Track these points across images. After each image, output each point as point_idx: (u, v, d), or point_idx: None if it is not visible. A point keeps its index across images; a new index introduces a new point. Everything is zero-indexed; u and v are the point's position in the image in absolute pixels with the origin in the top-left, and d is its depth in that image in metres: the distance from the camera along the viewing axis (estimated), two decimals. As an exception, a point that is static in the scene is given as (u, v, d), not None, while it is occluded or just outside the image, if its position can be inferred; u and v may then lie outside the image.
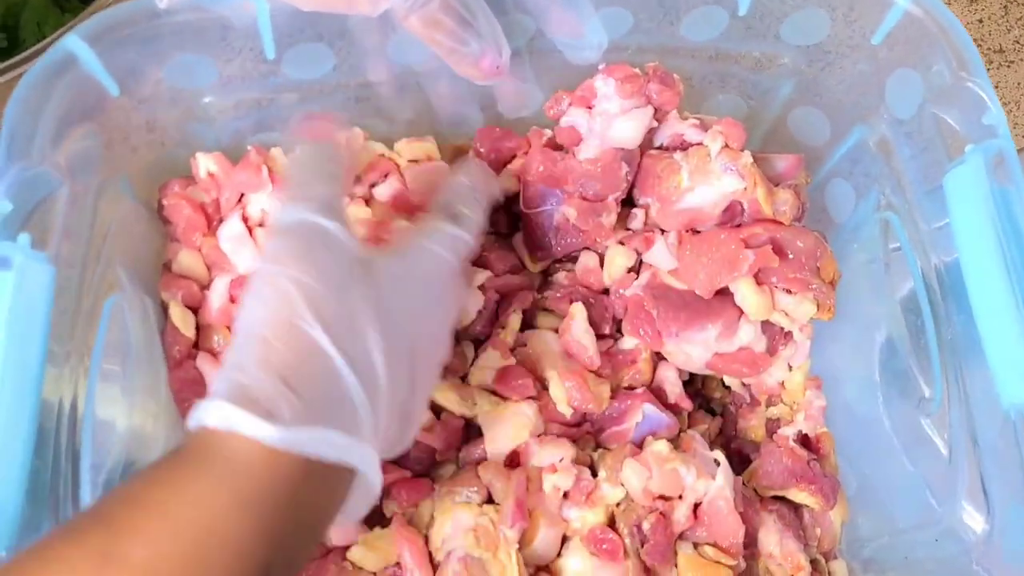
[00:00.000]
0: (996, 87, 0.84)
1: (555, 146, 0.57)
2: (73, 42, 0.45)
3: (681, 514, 0.51)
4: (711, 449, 0.54)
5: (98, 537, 0.31)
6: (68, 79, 0.46)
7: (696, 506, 0.51)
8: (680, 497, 0.51)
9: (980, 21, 0.87)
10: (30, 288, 0.39)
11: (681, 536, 0.52)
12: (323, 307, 0.38)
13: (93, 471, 0.44)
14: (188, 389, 0.53)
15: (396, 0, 0.45)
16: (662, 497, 0.51)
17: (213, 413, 0.35)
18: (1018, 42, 0.87)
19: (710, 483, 0.51)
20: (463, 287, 0.49)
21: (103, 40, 0.46)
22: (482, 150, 0.59)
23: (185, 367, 0.53)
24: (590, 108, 0.55)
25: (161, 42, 0.49)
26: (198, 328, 0.55)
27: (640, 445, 0.54)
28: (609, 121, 0.54)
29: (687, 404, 0.57)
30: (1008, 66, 0.86)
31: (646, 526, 0.50)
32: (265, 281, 0.39)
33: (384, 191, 0.57)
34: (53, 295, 0.41)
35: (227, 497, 0.33)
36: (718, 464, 0.52)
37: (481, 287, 0.57)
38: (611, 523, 0.50)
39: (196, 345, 0.55)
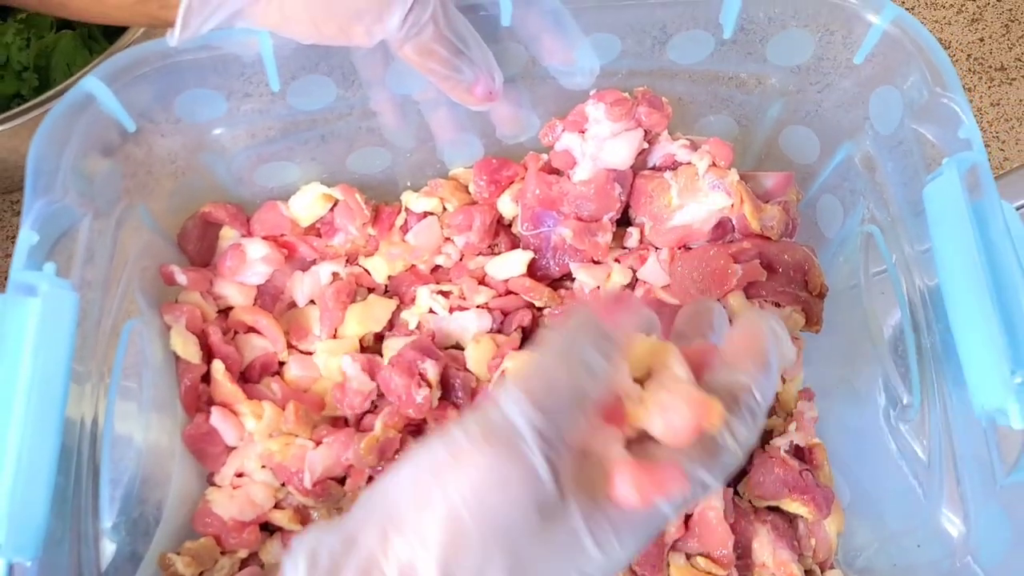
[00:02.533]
0: (998, 104, 0.85)
1: (551, 170, 0.60)
2: (91, 82, 0.48)
3: (672, 525, 0.52)
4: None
5: None
6: (88, 117, 0.49)
7: (687, 517, 0.53)
8: None
9: (981, 40, 0.88)
10: (55, 314, 0.42)
11: (673, 547, 0.53)
12: (454, 556, 0.30)
13: (112, 486, 0.46)
14: (203, 441, 0.55)
15: (391, 31, 0.47)
16: None
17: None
18: (1019, 60, 0.87)
19: None
20: None
21: (119, 80, 0.49)
22: (481, 182, 0.61)
23: (198, 422, 0.55)
24: (582, 132, 0.57)
25: (173, 79, 0.51)
26: (211, 358, 0.57)
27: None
28: (601, 144, 0.57)
29: None
30: (1010, 83, 0.87)
31: None
32: (425, 478, 0.31)
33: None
34: (77, 321, 0.43)
35: None
36: None
37: (484, 305, 0.60)
38: None
39: (207, 377, 0.57)
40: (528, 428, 0.30)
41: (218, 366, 0.55)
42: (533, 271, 0.61)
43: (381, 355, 0.59)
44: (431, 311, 0.59)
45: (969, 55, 0.88)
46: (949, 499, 0.47)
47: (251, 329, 0.59)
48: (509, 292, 0.61)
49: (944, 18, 0.89)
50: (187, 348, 0.55)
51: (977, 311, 0.42)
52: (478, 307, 0.59)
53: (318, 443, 0.54)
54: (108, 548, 0.46)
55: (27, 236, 0.43)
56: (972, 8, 0.90)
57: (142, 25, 0.63)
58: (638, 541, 0.32)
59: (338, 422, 0.57)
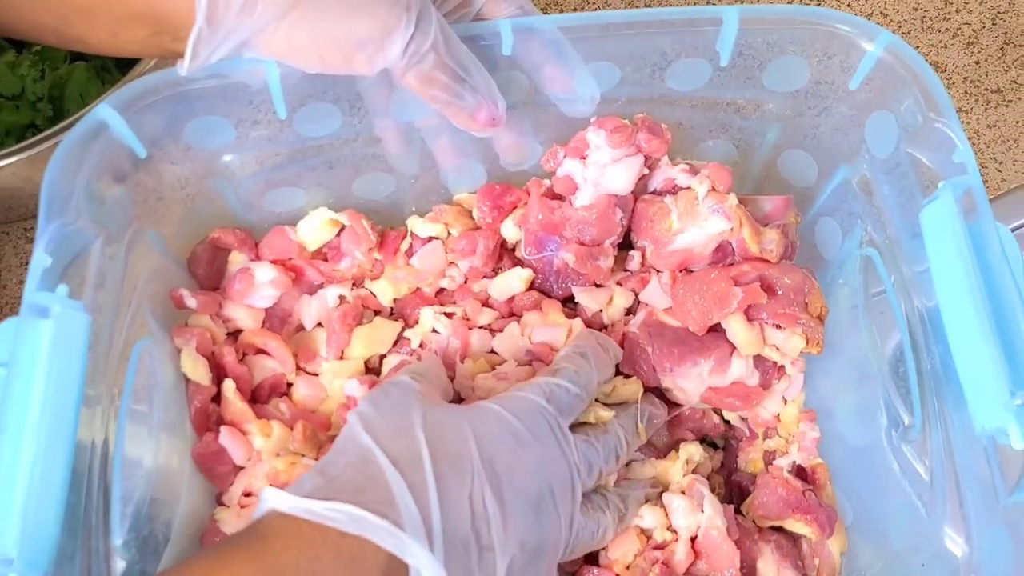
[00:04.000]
0: (994, 126, 0.86)
1: (553, 195, 0.61)
2: (104, 110, 0.50)
3: (682, 553, 0.53)
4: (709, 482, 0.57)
5: None
6: (100, 144, 0.50)
7: (693, 540, 0.53)
8: (675, 538, 0.54)
9: (977, 63, 0.90)
10: (67, 335, 0.42)
11: (686, 574, 0.54)
12: (373, 421, 0.44)
13: (122, 503, 0.47)
14: (212, 460, 0.55)
15: (392, 59, 0.48)
16: (659, 547, 0.53)
17: (264, 496, 0.40)
18: (1015, 82, 0.89)
19: (700, 516, 0.53)
20: (559, 441, 0.48)
21: (131, 107, 0.50)
22: (485, 207, 0.62)
23: (207, 441, 0.55)
24: (584, 158, 0.58)
25: (183, 107, 0.53)
26: (220, 379, 0.58)
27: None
28: (602, 170, 0.58)
29: None
30: (1006, 105, 0.88)
31: None
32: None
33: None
34: (89, 341, 0.44)
35: (255, 563, 0.37)
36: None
37: (487, 327, 0.61)
38: None
39: (216, 398, 0.58)
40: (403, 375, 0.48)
41: (229, 385, 0.56)
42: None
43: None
44: (434, 331, 0.60)
45: (965, 78, 0.89)
46: (952, 519, 0.47)
47: (260, 351, 0.60)
48: (512, 314, 0.62)
49: (940, 41, 0.91)
50: (197, 370, 0.56)
51: (976, 332, 0.43)
52: (480, 328, 0.60)
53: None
54: (119, 565, 0.46)
55: (40, 259, 0.44)
56: (968, 31, 0.91)
57: (155, 56, 0.65)
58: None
59: (344, 443, 0.58)
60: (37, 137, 0.67)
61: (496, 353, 0.60)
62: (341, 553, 0.38)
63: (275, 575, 0.37)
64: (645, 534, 0.54)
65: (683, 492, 0.55)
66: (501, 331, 0.60)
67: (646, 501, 0.54)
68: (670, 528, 0.54)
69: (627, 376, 0.57)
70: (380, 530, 0.38)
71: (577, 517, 0.48)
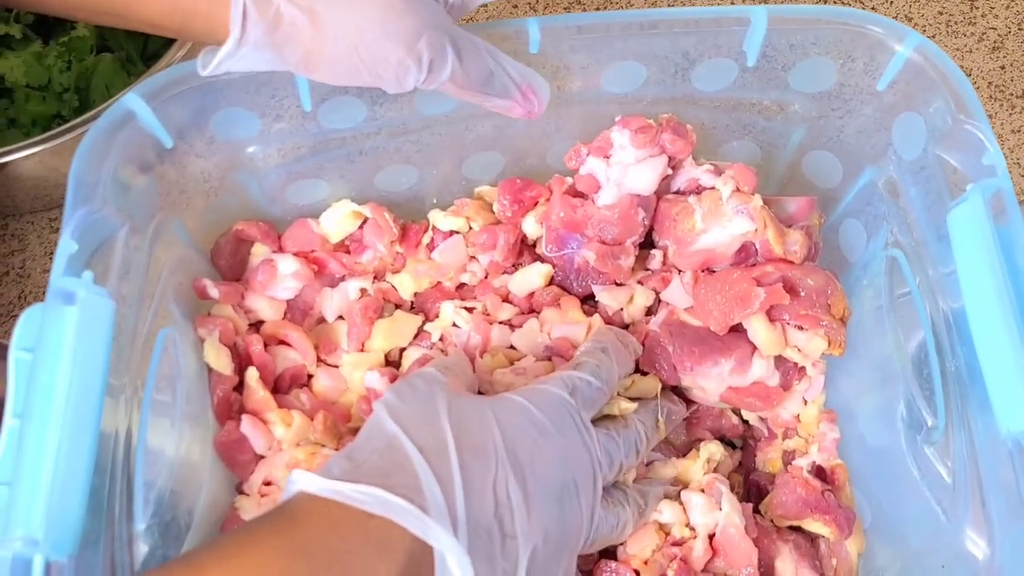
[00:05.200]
0: (1019, 131, 0.86)
1: (576, 193, 0.61)
2: (132, 100, 0.50)
3: (700, 550, 0.53)
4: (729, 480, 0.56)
5: (179, 571, 0.36)
6: (127, 133, 0.50)
7: (711, 538, 0.53)
8: (693, 535, 0.54)
9: (1002, 67, 0.89)
10: (93, 321, 0.42)
11: (704, 569, 0.53)
12: (399, 410, 0.44)
13: (145, 488, 0.47)
14: (233, 449, 0.56)
15: (409, 88, 0.48)
16: (677, 543, 0.53)
17: (293, 479, 0.41)
18: (1041, 86, 0.88)
19: (718, 513, 0.53)
20: (581, 432, 0.48)
21: (158, 97, 0.51)
22: (505, 201, 0.62)
23: (229, 429, 0.56)
24: (607, 157, 0.58)
25: (209, 98, 0.53)
26: (242, 369, 0.58)
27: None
28: (625, 170, 0.58)
29: None
30: (1031, 110, 0.87)
31: (670, 575, 0.52)
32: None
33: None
34: (113, 326, 0.44)
35: (285, 540, 0.38)
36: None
37: (507, 322, 0.61)
38: None
39: (239, 387, 0.58)
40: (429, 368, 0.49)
41: (252, 373, 0.57)
42: (557, 292, 0.62)
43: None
44: (454, 325, 0.60)
45: (990, 82, 0.88)
46: (974, 521, 0.47)
47: (281, 342, 0.60)
48: (532, 310, 0.62)
49: (965, 46, 0.90)
50: (220, 360, 0.56)
51: (1003, 335, 0.43)
52: (501, 323, 0.60)
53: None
54: (141, 550, 0.46)
55: (67, 244, 0.44)
56: (993, 36, 0.91)
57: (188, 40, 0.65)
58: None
59: (364, 434, 0.58)
60: (62, 127, 0.67)
61: (515, 348, 0.60)
62: (368, 534, 0.39)
63: (304, 552, 0.37)
64: (664, 530, 0.54)
65: (702, 490, 0.55)
66: (520, 327, 0.60)
67: (665, 497, 0.54)
68: (688, 525, 0.54)
69: (643, 372, 0.57)
70: (406, 513, 0.39)
71: (598, 510, 0.48)
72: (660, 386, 0.57)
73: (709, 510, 0.54)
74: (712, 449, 0.58)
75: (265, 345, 0.59)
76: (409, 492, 0.40)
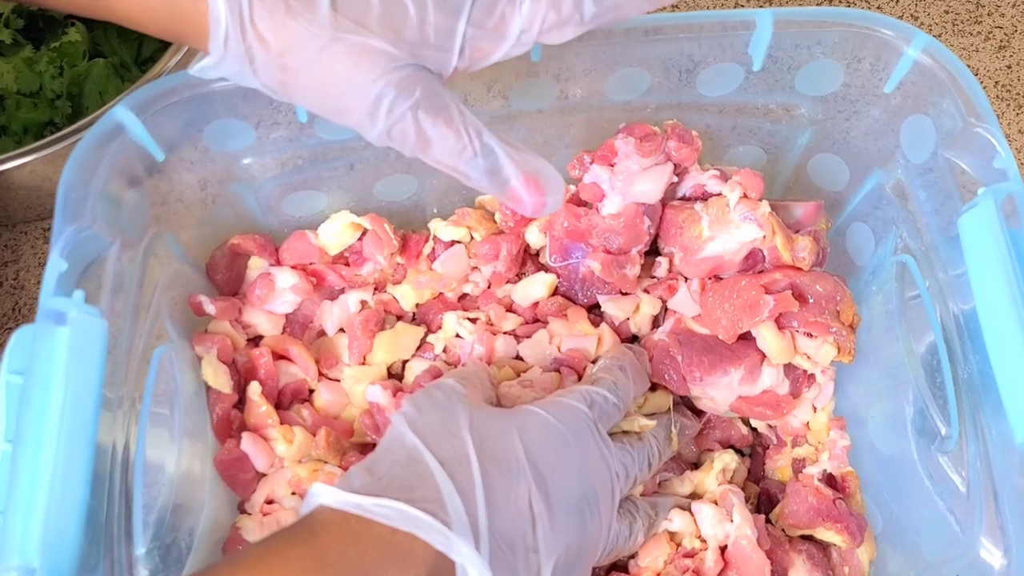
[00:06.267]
0: (1026, 130, 0.85)
1: (579, 202, 0.59)
2: (121, 112, 0.49)
3: (711, 561, 0.52)
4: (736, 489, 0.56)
5: None
6: (117, 146, 0.49)
7: (723, 550, 0.52)
8: (704, 546, 0.53)
9: (1009, 67, 0.88)
10: (85, 341, 0.42)
11: None
12: (418, 422, 0.44)
13: (145, 511, 0.46)
14: (234, 467, 0.55)
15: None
16: (689, 555, 0.52)
17: (313, 492, 0.41)
18: (1047, 85, 0.87)
19: (729, 525, 0.52)
20: (600, 446, 0.48)
21: (148, 109, 0.49)
22: (507, 211, 0.61)
23: (229, 447, 0.55)
24: (612, 166, 0.57)
25: (202, 109, 0.52)
26: (243, 386, 0.57)
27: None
28: (630, 178, 0.56)
29: None
30: (1038, 109, 0.86)
31: None
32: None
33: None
34: (106, 347, 0.43)
35: (305, 553, 0.37)
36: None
37: (511, 332, 0.60)
38: None
39: (239, 404, 0.57)
40: (448, 378, 0.48)
41: (255, 388, 0.56)
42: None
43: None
44: (458, 336, 0.59)
45: (997, 82, 0.87)
46: (989, 530, 0.46)
47: (281, 357, 0.59)
48: (536, 320, 0.60)
49: (972, 45, 0.89)
50: (219, 379, 0.55)
51: (1016, 340, 0.42)
52: (505, 334, 0.59)
53: (346, 470, 0.54)
54: (142, 574, 0.46)
55: (56, 263, 0.43)
56: (1000, 35, 0.90)
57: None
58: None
59: (367, 448, 0.57)
60: (55, 135, 0.66)
61: (520, 359, 0.59)
62: (391, 548, 0.38)
63: (324, 565, 0.37)
64: (675, 540, 0.53)
65: (715, 501, 0.54)
66: (527, 337, 0.59)
67: (676, 507, 0.54)
68: (699, 536, 0.53)
69: (654, 386, 0.56)
70: (429, 528, 0.39)
71: (614, 524, 0.48)
72: (672, 400, 0.56)
73: (720, 521, 0.53)
74: (727, 459, 0.57)
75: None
76: (431, 506, 0.39)
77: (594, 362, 0.56)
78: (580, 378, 0.56)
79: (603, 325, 0.59)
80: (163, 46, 0.77)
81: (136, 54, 0.80)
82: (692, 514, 0.54)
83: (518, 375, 0.57)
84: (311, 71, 0.43)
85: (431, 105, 0.44)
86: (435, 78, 0.45)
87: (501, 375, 0.56)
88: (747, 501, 0.56)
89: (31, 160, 0.66)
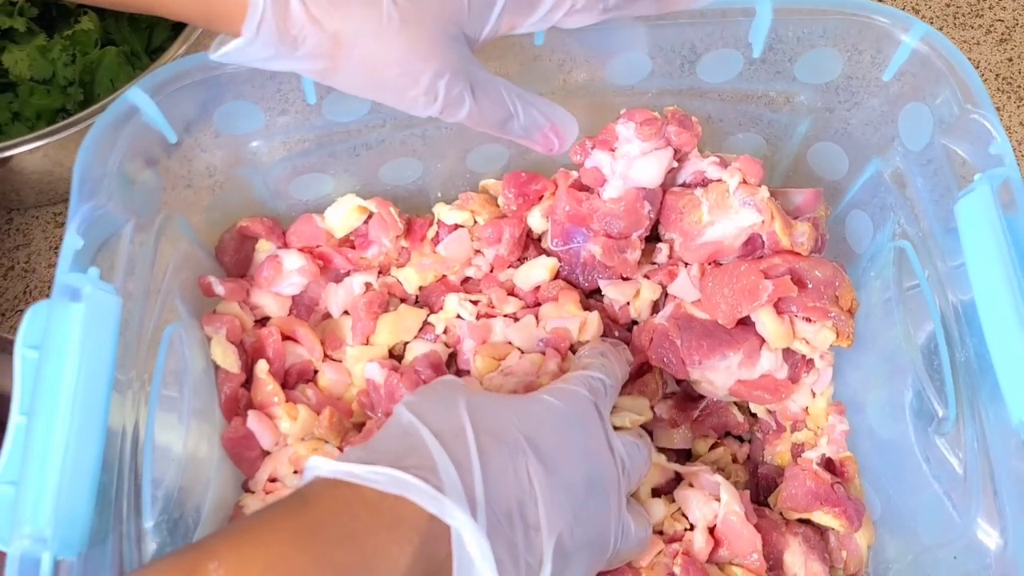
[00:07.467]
0: (1027, 121, 0.85)
1: (581, 187, 0.60)
2: (135, 94, 0.50)
3: (700, 541, 0.52)
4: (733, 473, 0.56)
5: (190, 555, 0.36)
6: (131, 128, 0.50)
7: (712, 529, 0.53)
8: (691, 527, 0.54)
9: (1010, 59, 0.89)
10: (99, 317, 0.42)
11: (708, 560, 0.53)
12: (416, 405, 0.44)
13: (153, 485, 0.47)
14: (240, 445, 0.56)
15: (431, 114, 0.47)
16: (673, 540, 0.53)
17: (310, 465, 0.41)
18: (1048, 78, 0.88)
19: (715, 504, 0.53)
20: (604, 428, 0.48)
21: (162, 91, 0.50)
22: (510, 194, 0.62)
23: (236, 425, 0.56)
24: (612, 151, 0.58)
25: (213, 92, 0.53)
26: (251, 366, 0.58)
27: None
28: (630, 163, 0.57)
29: None
30: (1039, 101, 0.87)
31: (677, 571, 0.51)
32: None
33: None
34: (119, 324, 0.44)
35: (297, 522, 0.38)
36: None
37: (512, 315, 0.60)
38: None
39: (246, 384, 0.58)
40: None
41: (262, 365, 0.57)
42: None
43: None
44: (458, 316, 0.60)
45: (997, 75, 0.88)
46: (986, 512, 0.47)
47: (287, 338, 0.60)
48: (537, 303, 0.61)
49: (972, 38, 0.90)
50: (227, 358, 0.56)
51: (1013, 324, 0.43)
52: (505, 316, 0.60)
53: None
54: (150, 547, 0.46)
55: (72, 240, 0.44)
56: (1001, 28, 0.90)
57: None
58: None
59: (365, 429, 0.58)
60: (67, 121, 0.67)
61: (510, 343, 0.59)
62: (381, 512, 0.39)
63: (315, 532, 0.37)
64: (657, 529, 0.54)
65: (691, 484, 0.55)
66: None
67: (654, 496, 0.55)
68: (684, 515, 0.54)
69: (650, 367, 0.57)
70: (420, 492, 0.39)
71: (624, 514, 0.47)
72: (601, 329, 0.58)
73: (706, 502, 0.54)
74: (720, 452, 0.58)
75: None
76: (424, 472, 0.40)
77: (574, 351, 0.57)
78: (563, 358, 0.57)
79: (593, 312, 0.59)
80: (173, 35, 0.78)
81: (147, 42, 0.81)
82: (669, 499, 0.55)
83: (498, 363, 0.58)
84: (366, 51, 0.43)
85: (480, 80, 0.46)
86: (468, 50, 0.46)
87: (485, 367, 0.57)
88: (744, 487, 0.56)
89: (43, 145, 0.67)
